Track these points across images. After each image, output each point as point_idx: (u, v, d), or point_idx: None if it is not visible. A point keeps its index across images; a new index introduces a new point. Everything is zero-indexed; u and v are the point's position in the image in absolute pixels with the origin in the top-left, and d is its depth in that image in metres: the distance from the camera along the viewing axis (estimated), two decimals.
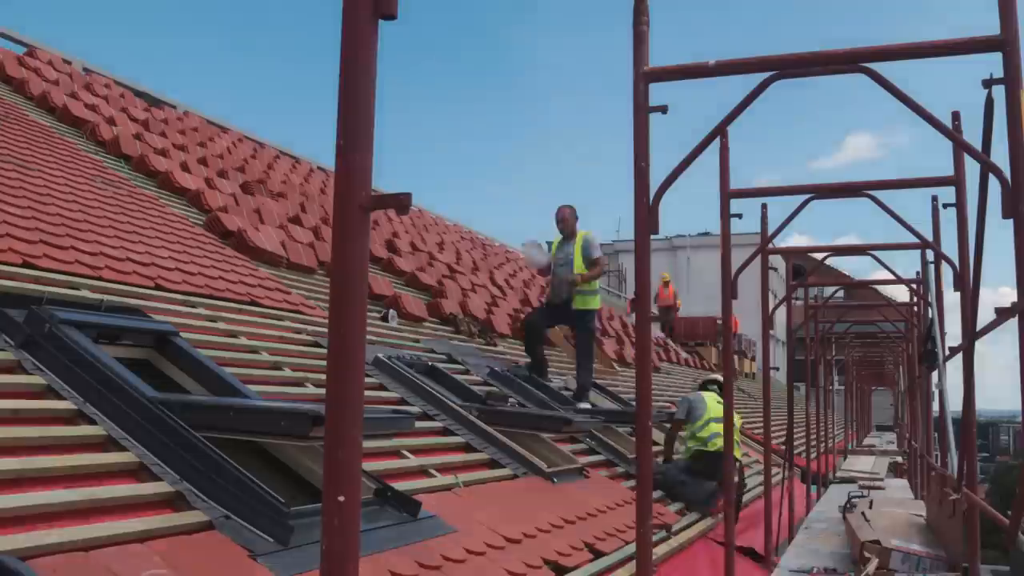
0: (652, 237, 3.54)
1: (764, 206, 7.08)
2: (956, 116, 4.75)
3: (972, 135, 3.99)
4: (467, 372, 6.74)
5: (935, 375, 5.96)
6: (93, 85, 9.96)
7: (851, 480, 12.66)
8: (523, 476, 4.95)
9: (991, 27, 3.00)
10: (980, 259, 4.29)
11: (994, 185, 3.26)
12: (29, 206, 5.00)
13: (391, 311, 7.57)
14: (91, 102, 9.04)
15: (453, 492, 4.20)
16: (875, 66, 3.34)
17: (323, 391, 1.74)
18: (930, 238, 6.72)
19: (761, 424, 9.50)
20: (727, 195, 5.34)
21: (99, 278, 4.53)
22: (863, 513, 6.97)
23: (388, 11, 1.72)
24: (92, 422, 3.10)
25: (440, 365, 6.17)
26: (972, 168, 4.98)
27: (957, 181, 5.38)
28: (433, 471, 4.33)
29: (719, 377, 8.14)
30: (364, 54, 1.71)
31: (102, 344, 3.57)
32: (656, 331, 18.63)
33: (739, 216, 5.52)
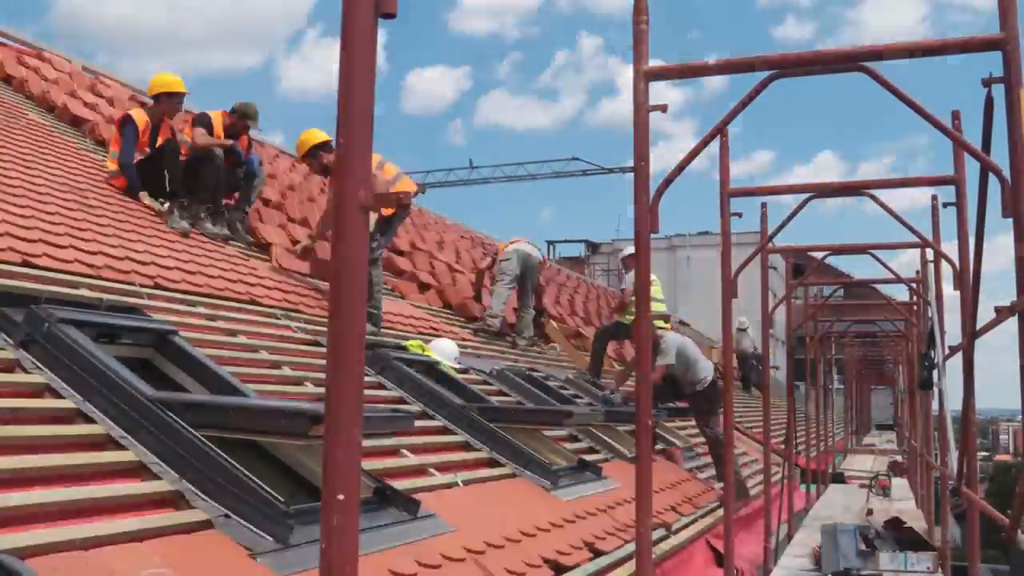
0: (652, 236, 3.55)
1: (764, 205, 7.09)
2: (956, 115, 4.76)
3: (972, 134, 3.99)
4: (466, 371, 6.74)
5: (935, 374, 5.95)
6: (93, 84, 9.95)
7: (848, 480, 12.69)
8: (523, 474, 4.95)
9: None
10: (980, 258, 4.29)
11: (994, 184, 3.26)
12: (29, 205, 5.00)
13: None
14: (91, 101, 9.03)
15: (452, 491, 4.20)
16: (875, 66, 3.35)
17: (322, 390, 1.74)
18: (930, 237, 6.73)
19: (761, 423, 9.49)
20: (727, 194, 5.34)
21: (99, 277, 4.53)
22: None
23: (388, 10, 1.71)
24: (91, 421, 3.10)
25: (441, 365, 6.17)
26: (972, 167, 4.98)
27: (957, 180, 5.39)
28: (433, 470, 4.33)
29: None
30: (364, 53, 1.71)
31: (101, 343, 3.57)
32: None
33: (739, 215, 5.52)
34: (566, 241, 38.80)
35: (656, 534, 4.83)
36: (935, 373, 5.88)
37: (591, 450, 6.46)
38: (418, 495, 3.69)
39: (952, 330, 6.25)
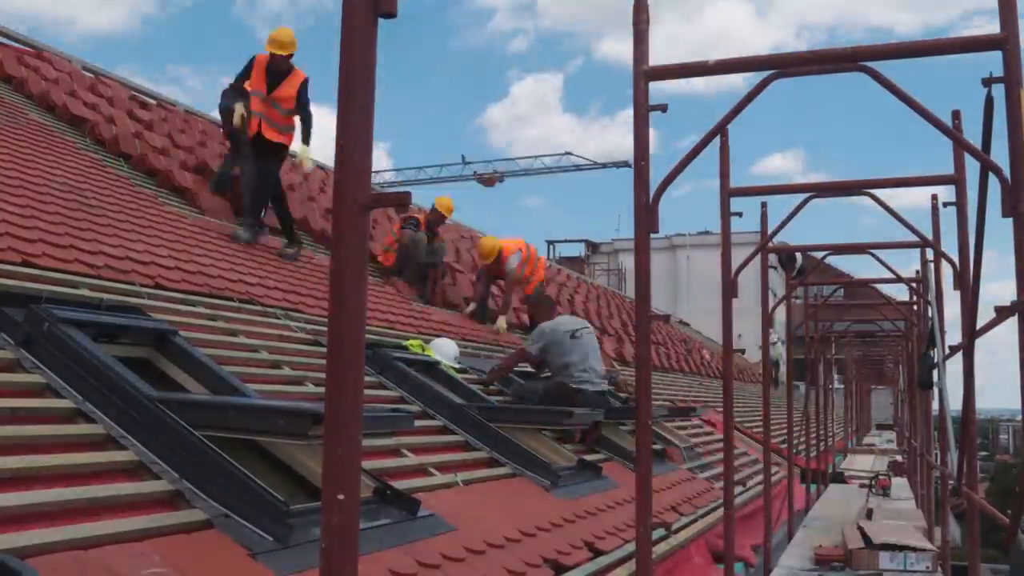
0: (652, 236, 3.54)
1: (764, 204, 7.08)
2: (956, 115, 4.75)
3: (972, 134, 3.99)
4: (466, 371, 6.73)
5: (935, 373, 5.95)
6: (93, 84, 9.95)
7: (848, 480, 12.69)
8: (523, 474, 4.95)
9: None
10: (980, 258, 4.29)
11: (994, 184, 3.26)
12: (29, 205, 5.00)
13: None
14: (91, 101, 9.02)
15: (452, 491, 4.20)
16: (875, 65, 3.34)
17: (323, 390, 1.74)
18: (930, 237, 6.73)
19: (761, 423, 9.49)
20: (727, 193, 5.34)
21: (99, 277, 4.53)
22: (859, 525, 7.02)
23: (388, 10, 1.71)
24: (91, 420, 3.10)
25: (441, 364, 6.17)
26: (972, 167, 4.98)
27: (957, 180, 5.38)
28: (433, 470, 4.33)
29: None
30: (364, 53, 1.71)
31: (101, 343, 3.57)
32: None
33: (739, 215, 5.52)
34: (566, 241, 38.82)
35: (656, 534, 4.82)
36: (935, 373, 5.88)
37: (591, 450, 6.46)
38: (418, 495, 3.69)
39: (952, 330, 6.26)
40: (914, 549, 6.13)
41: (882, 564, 6.13)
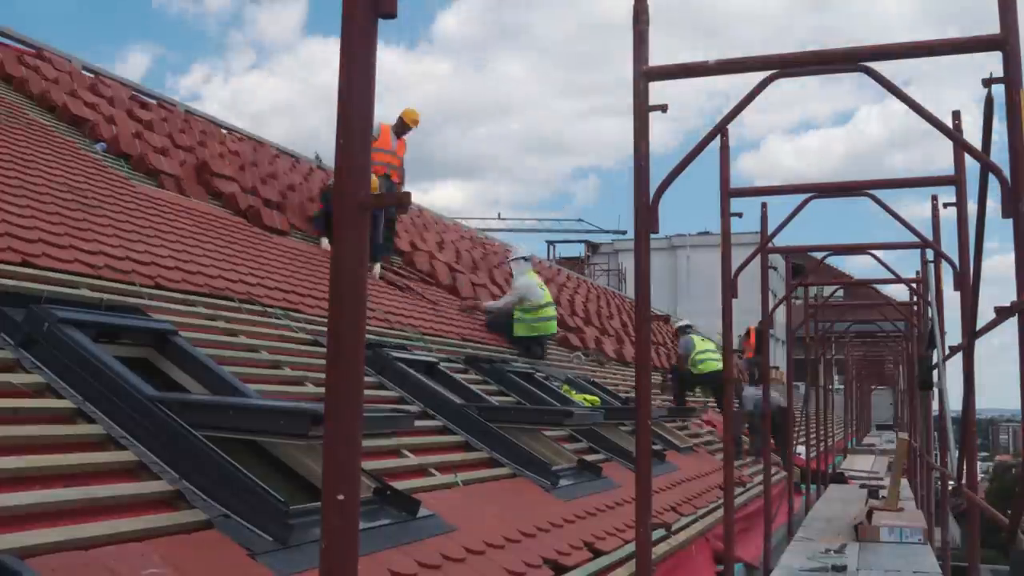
0: (652, 236, 3.55)
1: (764, 205, 7.09)
2: (956, 115, 4.76)
3: (972, 135, 3.99)
4: (466, 371, 6.74)
5: (935, 374, 5.96)
6: (93, 84, 9.95)
7: (849, 480, 12.71)
8: (523, 474, 4.95)
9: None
10: (980, 258, 4.29)
11: (994, 184, 3.26)
12: (28, 205, 4.99)
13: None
14: (91, 101, 9.01)
15: (452, 491, 4.20)
16: (875, 65, 3.35)
17: (323, 390, 1.74)
18: (930, 237, 6.73)
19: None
20: (727, 194, 5.34)
21: (99, 277, 4.53)
22: (861, 522, 7.19)
23: (388, 10, 1.72)
24: (91, 421, 3.10)
25: (441, 365, 6.17)
26: (972, 167, 4.98)
27: (957, 180, 5.39)
28: (433, 470, 4.33)
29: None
30: (364, 53, 1.71)
31: (101, 343, 3.57)
32: None
33: (739, 215, 5.53)
34: (566, 241, 38.80)
35: (656, 534, 4.83)
36: (935, 373, 5.90)
37: (591, 450, 6.46)
38: (418, 495, 3.69)
39: (952, 330, 6.26)
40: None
41: (882, 537, 6.92)
